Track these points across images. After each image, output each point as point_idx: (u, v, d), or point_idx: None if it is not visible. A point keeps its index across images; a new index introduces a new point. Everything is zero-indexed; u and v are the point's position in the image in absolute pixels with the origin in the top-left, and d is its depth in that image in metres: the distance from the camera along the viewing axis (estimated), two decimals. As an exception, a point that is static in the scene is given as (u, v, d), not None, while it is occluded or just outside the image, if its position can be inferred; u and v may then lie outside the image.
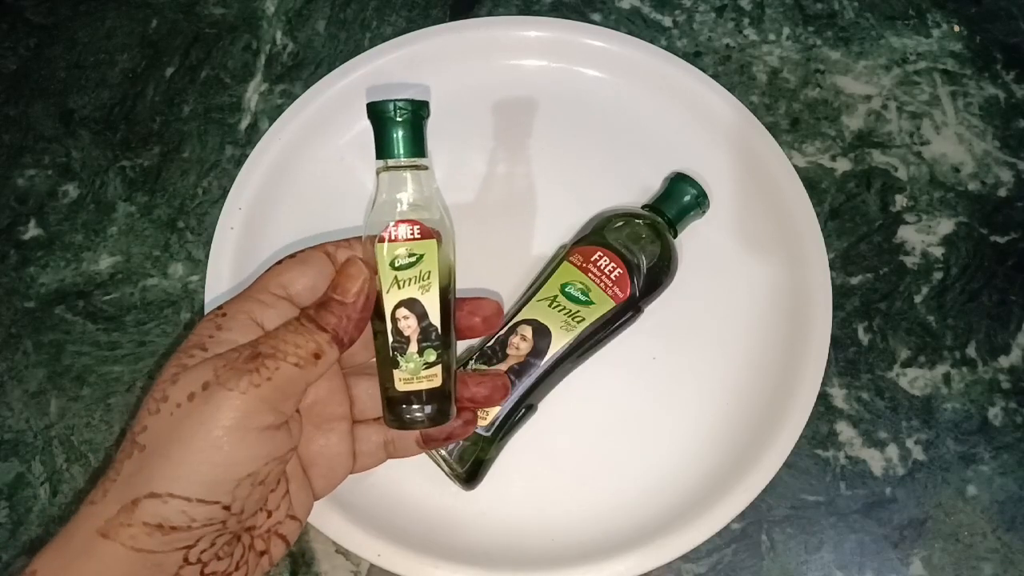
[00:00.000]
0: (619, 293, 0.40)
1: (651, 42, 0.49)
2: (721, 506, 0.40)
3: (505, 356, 0.39)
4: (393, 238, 0.32)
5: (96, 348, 0.45)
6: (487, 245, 0.44)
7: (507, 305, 0.42)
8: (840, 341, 0.45)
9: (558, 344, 0.39)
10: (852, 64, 0.51)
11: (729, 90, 0.48)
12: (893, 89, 0.50)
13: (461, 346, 0.42)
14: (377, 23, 0.52)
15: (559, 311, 0.39)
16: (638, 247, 0.40)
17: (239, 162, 0.47)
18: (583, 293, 0.40)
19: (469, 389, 0.36)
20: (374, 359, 0.34)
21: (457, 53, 0.48)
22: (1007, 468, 0.43)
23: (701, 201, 0.43)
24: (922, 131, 0.49)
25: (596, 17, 0.51)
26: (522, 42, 0.49)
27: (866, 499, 0.42)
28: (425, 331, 0.33)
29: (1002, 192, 0.48)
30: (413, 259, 0.32)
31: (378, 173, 0.33)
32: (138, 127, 0.50)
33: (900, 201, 0.48)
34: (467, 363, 0.40)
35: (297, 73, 0.51)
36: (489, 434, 0.39)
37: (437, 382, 0.33)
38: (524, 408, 0.39)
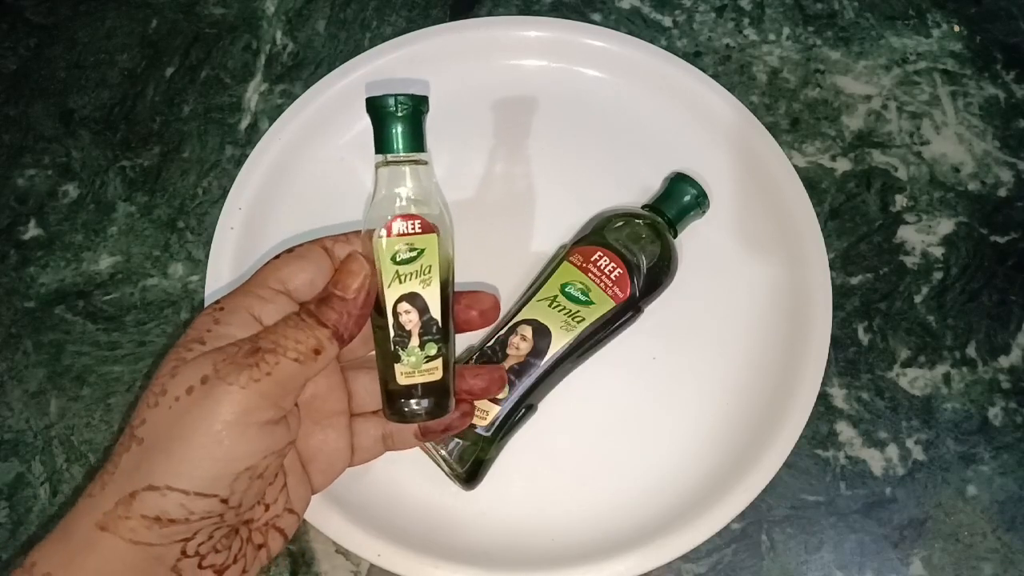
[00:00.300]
0: (619, 293, 0.40)
1: (651, 42, 0.49)
2: (721, 506, 0.40)
3: (505, 356, 0.39)
4: (394, 232, 0.32)
5: (96, 348, 0.45)
6: (487, 245, 0.44)
7: (507, 305, 0.42)
8: (840, 341, 0.45)
9: (558, 344, 0.39)
10: (852, 64, 0.51)
11: (729, 90, 0.48)
12: (893, 89, 0.50)
13: (461, 345, 0.42)
14: (377, 23, 0.52)
15: (559, 311, 0.39)
16: (638, 247, 0.40)
17: (239, 162, 0.47)
18: (583, 293, 0.40)
19: (466, 381, 0.36)
20: (372, 353, 0.34)
21: (457, 53, 0.48)
22: (1007, 468, 0.43)
23: (701, 201, 0.43)
24: (922, 131, 0.49)
25: (596, 17, 0.51)
26: (522, 42, 0.49)
27: (866, 499, 0.42)
28: (426, 325, 0.33)
29: (1002, 192, 0.48)
30: (414, 254, 0.32)
31: (377, 168, 0.33)
32: (138, 127, 0.50)
33: (900, 201, 0.48)
34: (467, 362, 0.40)
35: (297, 73, 0.51)
36: (489, 434, 0.39)
37: (438, 375, 0.33)
38: (524, 408, 0.39)
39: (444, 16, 0.52)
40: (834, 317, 0.43)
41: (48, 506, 0.42)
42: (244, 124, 0.50)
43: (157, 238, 0.47)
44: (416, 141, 0.33)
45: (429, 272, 0.33)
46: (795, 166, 0.46)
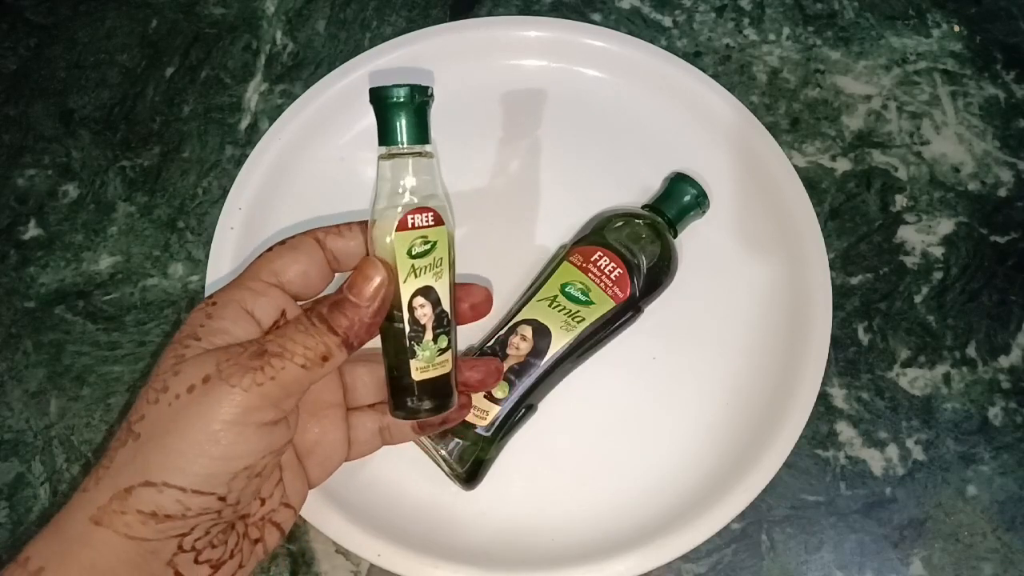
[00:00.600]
0: (619, 293, 0.40)
1: (651, 42, 0.49)
2: (721, 506, 0.40)
3: (505, 356, 0.39)
4: (410, 226, 0.31)
5: (96, 348, 0.45)
6: (487, 245, 0.44)
7: (507, 305, 0.42)
8: (840, 341, 0.45)
9: (558, 344, 0.39)
10: (852, 64, 0.51)
11: (729, 90, 0.48)
12: (893, 89, 0.50)
13: (460, 344, 0.42)
14: (377, 23, 0.52)
15: (559, 311, 0.39)
16: (638, 247, 0.40)
17: (239, 162, 0.47)
18: (583, 293, 0.40)
19: (463, 374, 0.36)
20: (367, 346, 0.34)
21: (457, 53, 0.48)
22: (1007, 468, 0.43)
23: (701, 201, 0.43)
24: (922, 131, 0.49)
25: (596, 17, 0.51)
26: (522, 42, 0.49)
27: (866, 499, 0.42)
28: (439, 318, 0.32)
29: (1002, 192, 0.48)
30: (428, 247, 0.32)
31: (380, 160, 0.32)
32: (138, 127, 0.50)
33: (900, 201, 0.48)
34: (467, 363, 0.40)
35: (297, 73, 0.51)
36: (489, 434, 0.39)
37: (448, 367, 0.33)
38: (524, 408, 0.39)
39: (444, 16, 0.52)
40: (834, 317, 0.43)
41: (48, 506, 0.42)
42: (244, 124, 0.50)
43: (157, 238, 0.47)
44: (422, 132, 0.32)
45: (441, 264, 0.32)
46: (795, 166, 0.46)
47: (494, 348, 0.39)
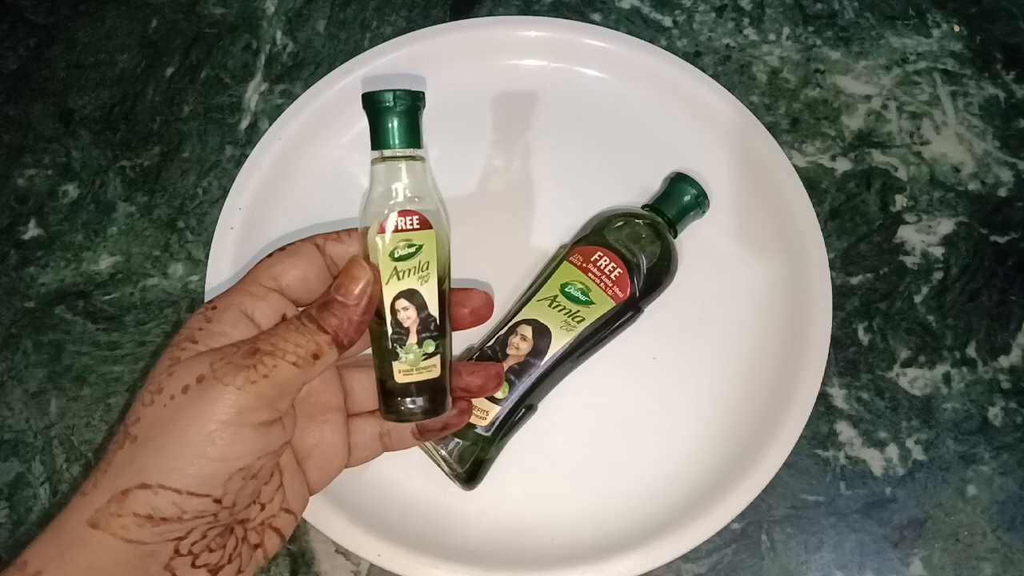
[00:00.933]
0: (619, 293, 0.40)
1: (651, 42, 0.49)
2: (721, 506, 0.40)
3: (505, 356, 0.39)
4: (393, 229, 0.32)
5: (96, 348, 0.45)
6: (487, 245, 0.44)
7: (507, 305, 0.42)
8: (840, 341, 0.45)
9: (558, 344, 0.39)
10: (852, 64, 0.51)
11: (729, 90, 0.48)
12: (893, 89, 0.50)
13: (460, 344, 0.42)
14: (377, 23, 0.52)
15: (559, 311, 0.39)
16: (638, 247, 0.40)
17: (239, 162, 0.47)
18: (583, 293, 0.40)
19: (463, 379, 0.36)
20: (368, 352, 0.34)
21: (457, 53, 0.48)
22: (1007, 468, 0.43)
23: (701, 201, 0.43)
24: (922, 131, 0.49)
25: (596, 17, 0.51)
26: (522, 42, 0.49)
27: (866, 499, 0.42)
28: (424, 322, 0.33)
29: (1002, 192, 0.48)
30: (412, 250, 0.32)
31: (373, 164, 0.33)
32: (138, 127, 0.50)
33: (900, 201, 0.48)
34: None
35: (297, 73, 0.51)
36: (489, 434, 0.39)
37: (436, 373, 0.33)
38: (524, 408, 0.39)
39: (444, 16, 0.52)
40: (834, 317, 0.43)
41: (48, 506, 0.42)
42: (244, 124, 0.50)
43: (157, 238, 0.47)
44: (413, 137, 0.33)
45: (427, 269, 0.32)
46: (795, 166, 0.46)
47: (494, 348, 0.39)
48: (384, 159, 0.33)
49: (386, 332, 0.33)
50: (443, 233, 0.34)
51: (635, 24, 0.51)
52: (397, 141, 0.33)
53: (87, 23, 0.52)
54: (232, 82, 0.51)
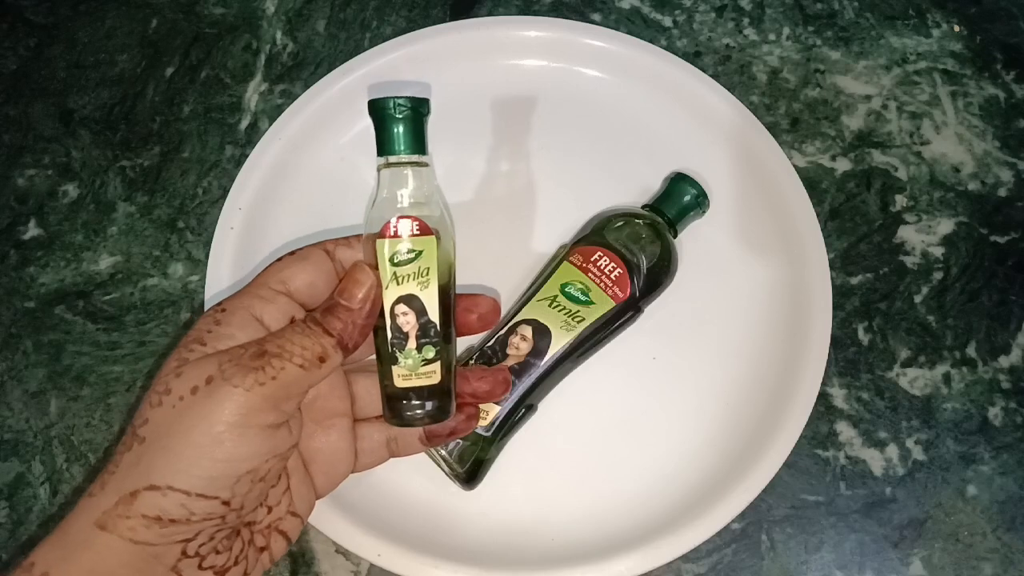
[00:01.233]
0: (619, 293, 0.40)
1: (651, 42, 0.49)
2: (721, 506, 0.40)
3: (505, 356, 0.39)
4: (392, 234, 0.32)
5: (96, 348, 0.45)
6: (487, 245, 0.44)
7: (507, 305, 0.42)
8: (840, 341, 0.45)
9: (558, 344, 0.39)
10: (852, 64, 0.51)
11: (729, 90, 0.48)
12: (893, 89, 0.50)
13: (460, 345, 0.42)
14: (377, 23, 0.52)
15: (559, 311, 0.39)
16: (638, 247, 0.40)
17: (239, 162, 0.47)
18: (583, 293, 0.40)
19: (470, 384, 0.36)
20: (374, 356, 0.34)
21: (457, 53, 0.48)
22: (1007, 468, 0.43)
23: (701, 201, 0.43)
24: (922, 131, 0.49)
25: (596, 17, 0.51)
26: (522, 42, 0.49)
27: (866, 499, 0.42)
28: (424, 328, 0.33)
29: (1002, 192, 0.48)
30: (412, 255, 0.32)
31: (379, 170, 0.34)
32: (138, 127, 0.50)
33: (900, 201, 0.48)
34: (467, 363, 0.40)
35: (297, 73, 0.51)
36: (489, 434, 0.39)
37: (436, 379, 0.33)
38: (524, 408, 0.39)
39: (444, 16, 0.52)
40: (834, 317, 0.43)
41: (48, 506, 0.42)
42: (244, 124, 0.50)
43: (157, 238, 0.47)
44: (417, 143, 0.33)
45: (427, 274, 0.33)
46: (795, 166, 0.46)
47: (494, 348, 0.39)
48: (389, 165, 0.33)
49: (386, 336, 0.33)
50: (447, 239, 0.34)
51: (635, 24, 0.51)
52: (402, 147, 0.33)
53: (87, 23, 0.52)
54: (232, 82, 0.51)
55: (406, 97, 0.33)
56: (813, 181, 0.48)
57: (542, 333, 0.39)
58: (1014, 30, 0.52)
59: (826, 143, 0.49)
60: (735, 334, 0.44)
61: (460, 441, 0.38)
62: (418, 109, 0.33)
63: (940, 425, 0.43)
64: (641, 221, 0.41)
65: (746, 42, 0.51)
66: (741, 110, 0.47)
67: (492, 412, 0.38)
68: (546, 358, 0.39)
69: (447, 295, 0.34)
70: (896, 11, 0.52)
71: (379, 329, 0.33)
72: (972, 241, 0.47)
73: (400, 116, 0.33)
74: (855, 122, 0.49)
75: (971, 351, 0.45)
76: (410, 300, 0.33)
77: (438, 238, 0.33)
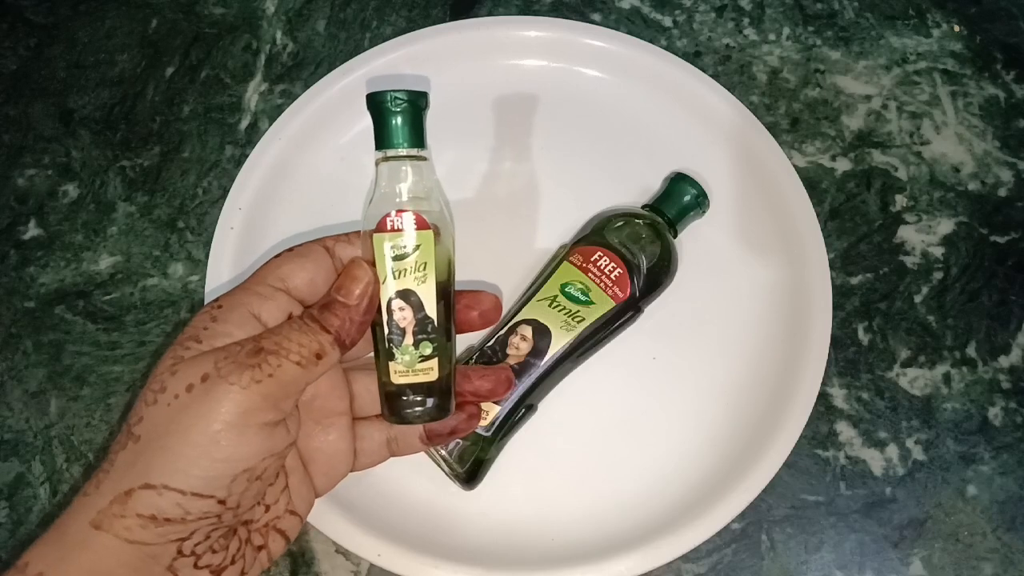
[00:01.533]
0: (619, 293, 0.40)
1: (651, 42, 0.49)
2: (721, 506, 0.40)
3: (505, 356, 0.39)
4: (390, 228, 0.32)
5: (96, 348, 0.45)
6: (487, 245, 0.44)
7: (507, 305, 0.42)
8: (840, 341, 0.45)
9: (558, 344, 0.39)
10: (852, 64, 0.51)
11: (729, 90, 0.48)
12: (893, 89, 0.50)
13: (460, 344, 0.42)
14: (377, 23, 0.52)
15: (559, 311, 0.39)
16: (638, 247, 0.40)
17: (239, 162, 0.47)
18: (583, 293, 0.40)
19: (472, 383, 0.36)
20: (373, 353, 0.34)
21: (457, 53, 0.48)
22: (1007, 468, 0.43)
23: (701, 201, 0.43)
24: (922, 131, 0.49)
25: (596, 17, 0.51)
26: (522, 42, 0.49)
27: (866, 499, 0.42)
28: (421, 323, 0.32)
29: (1002, 192, 0.48)
30: (409, 250, 0.32)
31: (377, 164, 0.33)
32: (138, 127, 0.50)
33: (900, 201, 0.48)
34: (467, 363, 0.40)
35: (297, 73, 0.51)
36: (489, 434, 0.39)
37: (433, 376, 0.33)
38: (524, 408, 0.39)
39: (444, 16, 0.52)
40: (834, 317, 0.43)
41: (48, 506, 0.42)
42: (244, 124, 0.50)
43: (157, 238, 0.47)
44: (416, 137, 0.33)
45: (424, 269, 0.32)
46: (795, 166, 0.46)
47: (494, 348, 0.39)
48: (387, 159, 0.33)
49: (383, 333, 0.33)
50: (446, 234, 0.34)
51: (635, 24, 0.51)
52: (400, 141, 0.33)
53: (87, 23, 0.52)
54: (232, 82, 0.51)
55: (404, 90, 0.32)
56: (813, 181, 0.48)
57: (542, 333, 0.39)
58: (1014, 30, 0.52)
59: (826, 143, 0.49)
60: (735, 334, 0.44)
61: (460, 441, 0.38)
62: (416, 102, 0.32)
63: (940, 425, 0.43)
64: (641, 221, 0.41)
65: (746, 42, 0.51)
66: (741, 110, 0.47)
67: (492, 412, 0.38)
68: (546, 358, 0.39)
69: (446, 291, 0.34)
70: (896, 11, 0.52)
71: (377, 325, 0.33)
72: (972, 241, 0.47)
73: (398, 109, 0.32)
74: (855, 122, 0.49)
75: (971, 351, 0.45)
76: (407, 295, 0.32)
77: (437, 233, 0.33)
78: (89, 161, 0.49)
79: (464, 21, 0.50)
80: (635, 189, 0.46)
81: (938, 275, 0.46)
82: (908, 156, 0.49)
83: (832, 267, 0.45)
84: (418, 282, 0.32)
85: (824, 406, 0.44)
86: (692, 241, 0.45)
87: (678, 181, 0.43)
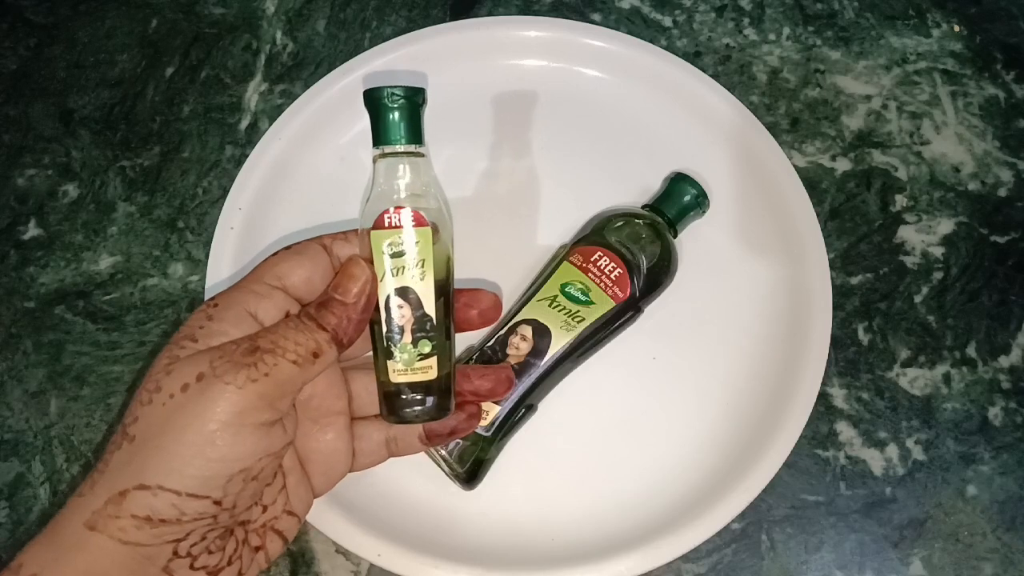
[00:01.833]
0: (619, 293, 0.40)
1: (651, 42, 0.49)
2: (721, 506, 0.40)
3: (505, 356, 0.39)
4: (387, 225, 0.32)
5: (96, 348, 0.45)
6: (487, 245, 0.44)
7: (507, 305, 0.42)
8: (840, 341, 0.45)
9: (558, 344, 0.39)
10: (852, 64, 0.51)
11: (729, 90, 0.48)
12: (893, 89, 0.50)
13: (460, 344, 0.42)
14: (377, 23, 0.52)
15: (559, 311, 0.39)
16: (638, 247, 0.40)
17: (239, 162, 0.47)
18: (583, 293, 0.40)
19: (472, 382, 0.35)
20: (371, 352, 0.34)
21: (457, 53, 0.48)
22: (1007, 468, 0.43)
23: (701, 201, 0.43)
24: (922, 131, 0.49)
25: (596, 17, 0.51)
26: (522, 42, 0.49)
27: (866, 499, 0.42)
28: (420, 321, 0.32)
29: (1002, 192, 0.48)
30: (407, 247, 0.32)
31: (374, 161, 0.33)
32: (138, 127, 0.50)
33: (900, 201, 0.48)
34: (467, 363, 0.40)
35: (297, 73, 0.51)
36: (489, 434, 0.39)
37: (432, 374, 0.33)
38: (524, 408, 0.39)
39: (444, 16, 0.52)
40: (834, 317, 0.43)
41: (48, 506, 0.42)
42: (244, 124, 0.50)
43: (157, 238, 0.47)
44: (413, 133, 0.32)
45: (423, 266, 0.32)
46: (795, 166, 0.46)
47: (494, 348, 0.39)
48: (384, 156, 0.33)
49: (381, 331, 0.32)
50: (445, 231, 0.33)
51: (635, 24, 0.51)
52: (397, 137, 0.32)
53: (87, 23, 0.52)
54: (232, 82, 0.51)
55: (401, 86, 0.32)
56: (813, 181, 0.48)
57: (542, 333, 0.39)
58: (1014, 30, 0.52)
59: (826, 143, 0.49)
60: (735, 334, 0.44)
61: (460, 441, 0.38)
62: (413, 98, 0.32)
63: (940, 425, 0.43)
64: (641, 221, 0.41)
65: (746, 42, 0.51)
66: (741, 110, 0.47)
67: (492, 412, 0.38)
68: (546, 358, 0.39)
69: (445, 289, 0.33)
70: (896, 11, 0.52)
71: (375, 323, 0.33)
72: (972, 241, 0.47)
73: (395, 105, 0.32)
74: (855, 122, 0.49)
75: (971, 351, 0.45)
76: (405, 293, 0.32)
77: (435, 230, 0.32)
78: (89, 161, 0.49)
79: (464, 21, 0.50)
80: (635, 189, 0.46)
81: (938, 275, 0.46)
82: (908, 156, 0.49)
83: (832, 267, 0.45)
84: (416, 279, 0.32)
85: (824, 406, 0.44)
86: (692, 241, 0.45)
87: (678, 181, 0.43)
